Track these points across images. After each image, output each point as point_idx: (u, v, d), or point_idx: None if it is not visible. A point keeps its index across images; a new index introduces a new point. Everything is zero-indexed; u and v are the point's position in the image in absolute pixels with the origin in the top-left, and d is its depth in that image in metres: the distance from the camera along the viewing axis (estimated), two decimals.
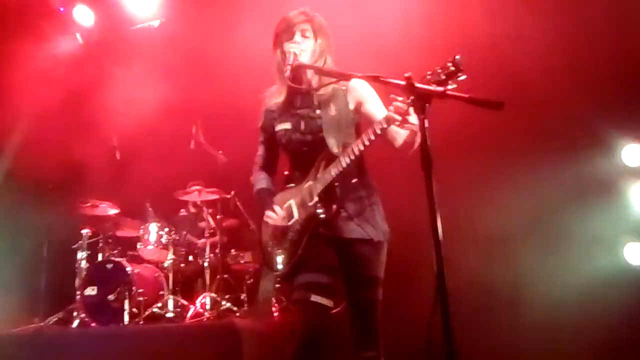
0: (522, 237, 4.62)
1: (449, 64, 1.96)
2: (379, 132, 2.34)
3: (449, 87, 1.98)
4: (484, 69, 4.32)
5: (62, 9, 6.89)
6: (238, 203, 6.06)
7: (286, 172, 2.82)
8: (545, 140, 4.65)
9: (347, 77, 2.53)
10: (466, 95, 1.83)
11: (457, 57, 1.96)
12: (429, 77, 1.99)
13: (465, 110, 2.07)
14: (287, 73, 2.57)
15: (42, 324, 5.37)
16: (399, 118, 2.26)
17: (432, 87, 1.91)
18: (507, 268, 4.57)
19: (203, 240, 6.05)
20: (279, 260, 2.66)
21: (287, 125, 2.71)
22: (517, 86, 4.47)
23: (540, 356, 4.37)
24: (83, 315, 5.36)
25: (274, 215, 2.68)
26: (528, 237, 4.62)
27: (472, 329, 4.11)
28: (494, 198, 4.68)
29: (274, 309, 5.38)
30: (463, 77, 1.97)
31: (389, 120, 2.29)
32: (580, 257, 4.41)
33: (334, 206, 2.54)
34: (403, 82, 1.99)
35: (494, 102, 1.79)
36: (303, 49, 2.64)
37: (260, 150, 2.94)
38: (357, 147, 2.40)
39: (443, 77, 1.97)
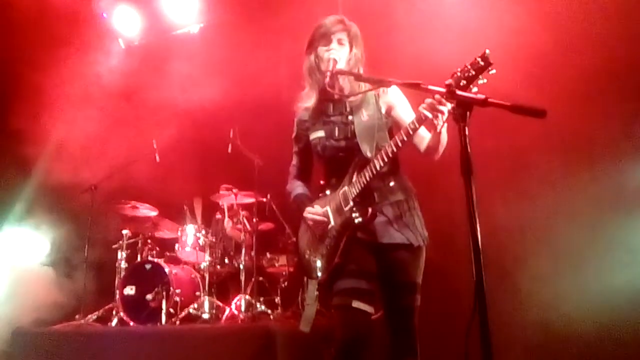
0: (563, 248, 4.53)
1: (479, 59, 1.93)
2: (411, 132, 2.34)
3: (479, 81, 1.96)
4: (524, 76, 4.28)
5: (104, 14, 7.09)
6: (274, 206, 6.11)
7: (322, 182, 2.81)
8: (586, 149, 4.55)
9: (386, 84, 2.53)
10: (508, 104, 1.79)
11: (487, 51, 1.93)
12: (458, 74, 1.97)
13: (506, 118, 2.05)
14: (327, 79, 2.59)
15: (82, 321, 5.49)
16: (430, 115, 2.26)
17: (474, 95, 1.88)
18: (544, 279, 4.49)
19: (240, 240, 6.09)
20: (317, 268, 2.64)
21: (320, 133, 2.73)
22: (558, 93, 4.39)
23: None
24: (122, 313, 5.48)
25: (316, 210, 2.67)
26: (569, 249, 4.53)
27: (507, 335, 4.07)
28: (532, 207, 4.61)
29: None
30: (493, 72, 1.94)
31: (420, 120, 2.29)
32: (620, 270, 4.30)
33: (370, 209, 2.51)
34: (444, 90, 1.99)
35: (537, 110, 1.75)
36: (340, 56, 2.66)
37: (295, 160, 2.95)
38: (391, 148, 2.41)
39: (472, 72, 1.94)
